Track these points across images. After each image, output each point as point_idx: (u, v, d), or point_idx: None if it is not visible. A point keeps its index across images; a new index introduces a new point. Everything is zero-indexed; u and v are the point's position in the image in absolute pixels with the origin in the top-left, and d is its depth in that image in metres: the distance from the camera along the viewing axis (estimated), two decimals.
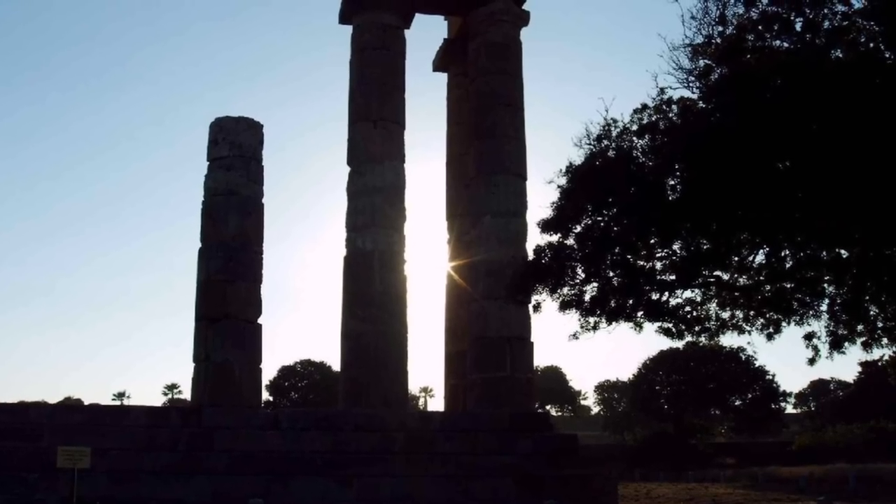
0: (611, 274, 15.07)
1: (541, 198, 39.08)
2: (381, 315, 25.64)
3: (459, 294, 28.19)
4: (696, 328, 16.08)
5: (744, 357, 56.48)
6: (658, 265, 14.97)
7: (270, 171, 35.87)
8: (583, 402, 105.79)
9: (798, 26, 13.37)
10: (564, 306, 15.48)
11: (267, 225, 25.56)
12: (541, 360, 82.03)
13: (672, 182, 14.26)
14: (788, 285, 14.97)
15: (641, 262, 14.96)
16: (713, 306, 15.95)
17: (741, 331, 16.14)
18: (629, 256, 14.91)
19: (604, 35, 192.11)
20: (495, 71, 27.86)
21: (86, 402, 52.03)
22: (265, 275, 25.21)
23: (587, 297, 15.31)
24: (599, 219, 15.05)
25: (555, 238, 15.55)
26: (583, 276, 15.31)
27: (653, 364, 61.73)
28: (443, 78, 32.46)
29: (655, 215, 13.89)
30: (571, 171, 15.40)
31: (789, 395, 61.51)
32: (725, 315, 16.05)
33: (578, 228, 15.24)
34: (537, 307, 16.30)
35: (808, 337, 15.44)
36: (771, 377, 58.12)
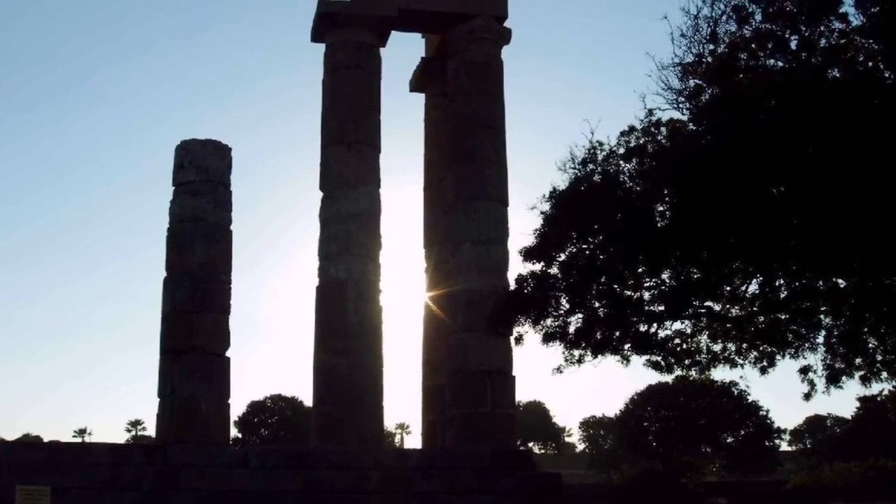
0: (596, 304, 14.90)
1: (523, 225, 38.73)
2: (355, 348, 25.15)
3: (437, 325, 27.72)
4: (686, 361, 15.90)
5: (736, 392, 55.83)
6: (646, 295, 14.80)
7: (239, 197, 35.31)
8: (567, 439, 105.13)
9: (793, 45, 13.28)
10: (548, 338, 15.25)
11: (235, 253, 25.13)
12: (523, 395, 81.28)
13: (661, 208, 14.14)
14: (783, 316, 14.86)
15: (629, 292, 14.78)
16: (704, 338, 15.78)
17: (733, 364, 15.95)
18: (616, 286, 14.74)
19: (589, 54, 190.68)
20: (475, 91, 27.44)
21: (45, 439, 51.12)
22: (234, 305, 24.76)
23: (572, 329, 15.12)
24: (584, 247, 14.90)
25: (538, 267, 15.40)
26: (567, 306, 15.14)
27: (641, 399, 61.07)
28: (420, 98, 31.96)
29: (643, 243, 13.73)
30: (555, 196, 15.24)
31: (784, 431, 60.66)
32: (717, 348, 15.87)
33: (562, 257, 15.08)
34: (519, 339, 16.13)
35: (804, 371, 15.31)
36: (765, 413, 57.51)
